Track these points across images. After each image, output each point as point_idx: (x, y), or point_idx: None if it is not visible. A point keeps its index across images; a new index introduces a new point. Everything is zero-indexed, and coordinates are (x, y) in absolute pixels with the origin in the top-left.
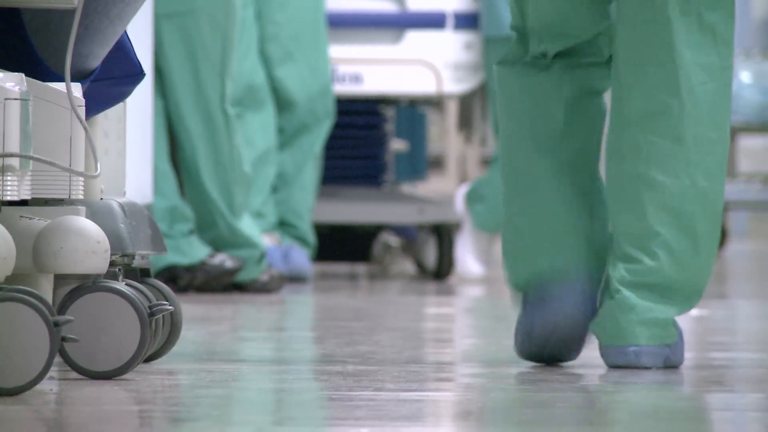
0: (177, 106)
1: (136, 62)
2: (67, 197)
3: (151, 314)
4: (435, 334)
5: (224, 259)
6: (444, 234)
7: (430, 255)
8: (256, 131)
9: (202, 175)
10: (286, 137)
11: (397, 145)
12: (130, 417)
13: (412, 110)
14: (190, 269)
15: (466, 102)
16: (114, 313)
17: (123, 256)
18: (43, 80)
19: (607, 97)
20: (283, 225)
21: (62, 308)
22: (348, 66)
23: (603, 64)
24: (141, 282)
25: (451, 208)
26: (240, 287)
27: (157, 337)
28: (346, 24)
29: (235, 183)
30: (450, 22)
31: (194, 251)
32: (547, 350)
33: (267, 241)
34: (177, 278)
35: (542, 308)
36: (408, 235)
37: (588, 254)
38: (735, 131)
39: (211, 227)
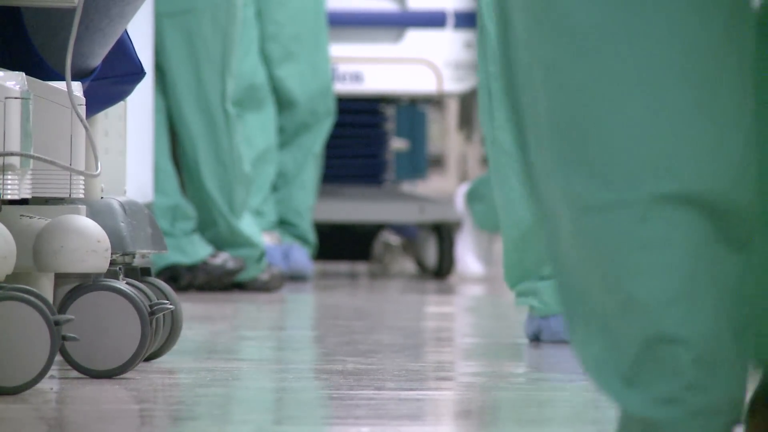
0: (178, 105)
1: (136, 61)
2: (68, 196)
3: (152, 313)
4: (435, 333)
5: (226, 260)
6: (444, 233)
7: (431, 254)
8: (256, 131)
9: (203, 174)
10: (286, 136)
11: (397, 144)
12: (130, 416)
13: (413, 109)
14: (192, 269)
15: (466, 101)
16: (114, 312)
17: (123, 255)
18: (44, 79)
19: None
20: (284, 224)
21: (63, 307)
22: (348, 65)
23: None
24: (141, 281)
25: (452, 207)
26: (240, 286)
27: (158, 336)
28: (346, 23)
29: (235, 182)
30: (450, 20)
31: (196, 250)
32: None
33: (267, 240)
34: (178, 278)
35: None
36: (408, 234)
37: None
38: None
39: (211, 226)
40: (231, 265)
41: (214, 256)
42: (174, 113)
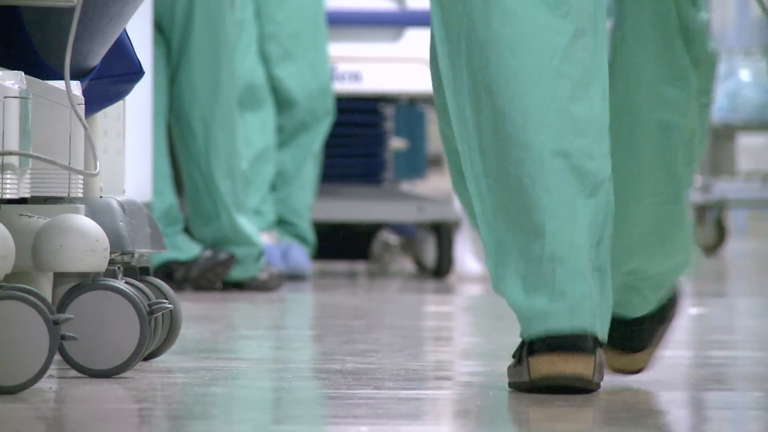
0: (193, 91)
1: (135, 60)
2: (67, 195)
3: (151, 312)
4: (434, 333)
5: (216, 251)
6: (443, 232)
7: (430, 253)
8: (255, 130)
9: (213, 167)
10: (285, 136)
11: (396, 143)
12: (129, 415)
13: (412, 108)
14: (184, 263)
15: None
16: (113, 311)
17: (122, 254)
18: (43, 78)
19: None
20: (283, 223)
21: (62, 306)
22: (347, 64)
23: None
24: (140, 280)
25: (451, 207)
26: (239, 285)
27: (157, 336)
28: (345, 22)
29: (240, 179)
30: None
31: (190, 247)
32: None
33: (266, 239)
34: (172, 274)
35: None
36: (407, 233)
37: None
38: (734, 129)
39: (214, 220)
40: (222, 256)
41: (204, 251)
42: (186, 100)
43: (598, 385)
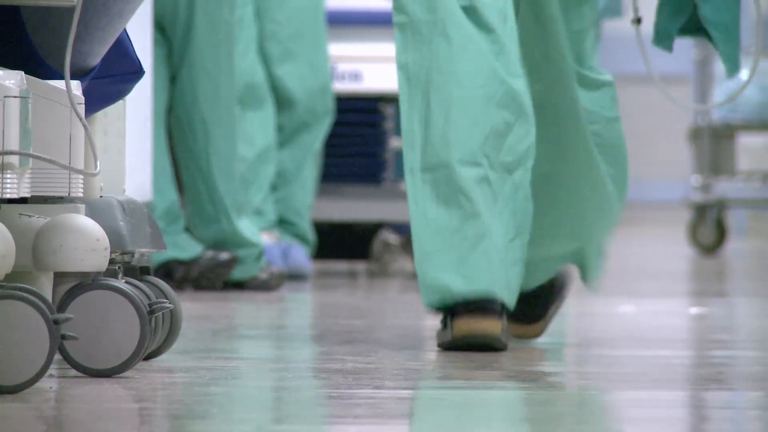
0: (194, 92)
1: (135, 60)
2: (67, 195)
3: (151, 312)
4: (434, 332)
5: (218, 252)
6: None
7: None
8: (255, 129)
9: (213, 168)
10: (285, 135)
11: (396, 142)
12: (129, 415)
13: None
14: (185, 263)
15: None
16: (114, 310)
17: (123, 253)
18: (43, 78)
19: None
20: (283, 223)
21: (62, 306)
22: (347, 64)
23: None
24: (141, 280)
25: None
26: (239, 285)
27: (157, 335)
28: (345, 22)
29: (239, 181)
30: None
31: (192, 245)
32: None
33: (266, 239)
34: (172, 273)
35: None
36: (407, 232)
37: None
38: (734, 129)
39: (213, 222)
40: (224, 256)
41: (205, 251)
42: (188, 101)
43: (505, 345)
